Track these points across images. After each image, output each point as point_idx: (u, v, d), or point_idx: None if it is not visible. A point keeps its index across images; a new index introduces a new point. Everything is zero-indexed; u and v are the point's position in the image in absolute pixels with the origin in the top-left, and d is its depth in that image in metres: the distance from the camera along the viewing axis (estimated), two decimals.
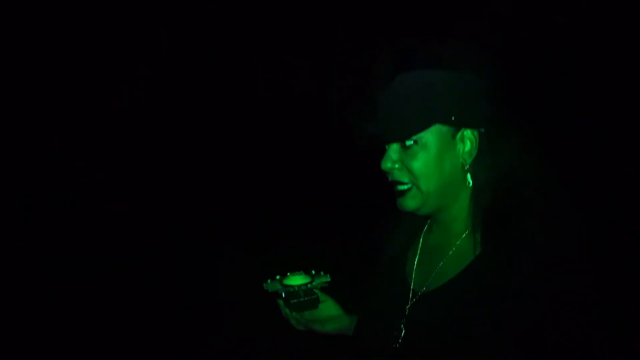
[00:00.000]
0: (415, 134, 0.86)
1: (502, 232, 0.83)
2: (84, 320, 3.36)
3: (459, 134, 0.88)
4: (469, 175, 0.89)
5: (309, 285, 1.05)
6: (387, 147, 0.91)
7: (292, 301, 1.05)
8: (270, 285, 1.08)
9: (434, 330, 0.85)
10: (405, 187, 0.90)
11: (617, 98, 4.61)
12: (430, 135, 0.87)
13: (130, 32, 5.33)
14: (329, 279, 1.08)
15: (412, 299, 0.93)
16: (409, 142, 0.87)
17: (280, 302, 1.09)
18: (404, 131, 0.87)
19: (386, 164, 0.90)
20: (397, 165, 0.89)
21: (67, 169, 5.28)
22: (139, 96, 5.43)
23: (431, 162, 0.87)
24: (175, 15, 5.21)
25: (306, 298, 1.05)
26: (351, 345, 1.03)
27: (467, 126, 0.88)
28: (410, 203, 0.90)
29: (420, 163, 0.87)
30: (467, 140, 0.88)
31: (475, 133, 0.88)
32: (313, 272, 1.09)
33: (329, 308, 1.10)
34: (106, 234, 4.83)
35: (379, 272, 1.05)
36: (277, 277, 1.09)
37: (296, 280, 1.06)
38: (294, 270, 1.09)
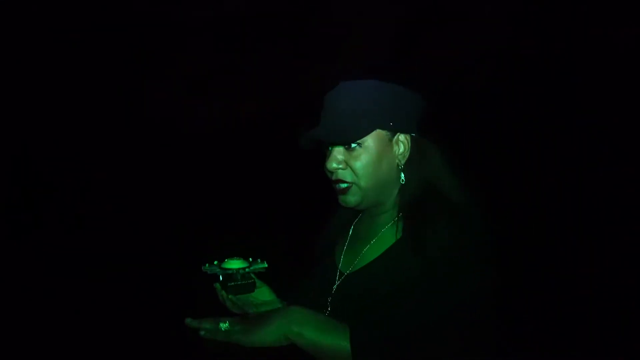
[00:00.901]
0: (360, 138, 0.97)
1: (420, 222, 0.94)
2: (84, 320, 3.36)
3: (395, 137, 1.00)
4: (402, 174, 1.00)
5: (246, 270, 1.09)
6: (330, 149, 1.01)
7: (229, 284, 1.09)
8: (209, 268, 1.11)
9: (354, 305, 0.97)
10: (346, 185, 1.00)
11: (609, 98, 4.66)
12: (371, 139, 0.98)
13: (130, 31, 5.34)
14: (265, 265, 1.13)
15: (338, 280, 1.05)
16: (353, 145, 0.97)
17: (217, 285, 1.12)
18: (350, 135, 0.97)
19: (331, 164, 0.99)
20: (341, 166, 0.99)
21: (67, 169, 5.28)
22: (139, 97, 5.44)
23: (371, 162, 0.98)
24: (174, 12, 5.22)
25: (243, 282, 1.09)
26: None
27: (401, 131, 1.00)
28: (351, 199, 1.00)
29: (362, 163, 0.97)
30: (401, 143, 1.00)
31: (408, 137, 1.01)
32: (250, 259, 1.14)
33: (263, 293, 1.17)
34: (106, 234, 4.83)
35: (312, 260, 1.16)
36: (215, 262, 1.12)
37: (234, 264, 1.10)
38: (232, 256, 1.12)
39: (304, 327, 0.86)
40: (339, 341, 0.85)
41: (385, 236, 1.01)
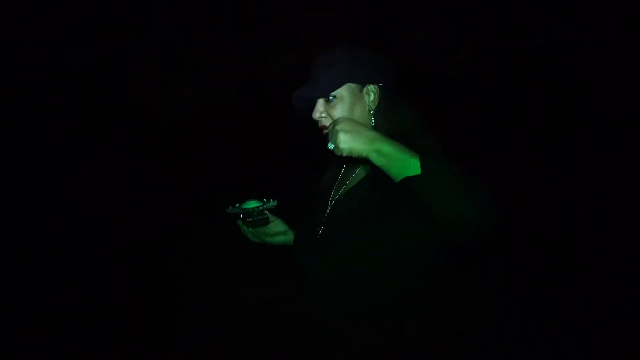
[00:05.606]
0: (331, 91, 1.22)
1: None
2: (83, 320, 3.37)
3: (365, 89, 1.24)
4: (373, 118, 1.25)
5: (260, 208, 1.40)
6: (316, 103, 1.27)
7: (247, 220, 1.42)
8: (231, 210, 1.42)
9: (344, 219, 1.23)
10: None
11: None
12: (344, 91, 1.22)
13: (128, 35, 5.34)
14: (275, 203, 1.43)
15: (330, 203, 1.34)
16: (330, 97, 1.22)
17: (239, 222, 1.45)
18: (326, 89, 1.22)
19: (315, 114, 1.25)
20: (323, 115, 1.24)
21: (65, 169, 5.28)
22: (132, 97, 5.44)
23: (346, 110, 1.22)
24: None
25: (258, 217, 1.41)
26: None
27: (370, 82, 1.24)
28: None
29: (338, 112, 1.22)
30: (372, 93, 1.25)
31: (376, 87, 1.25)
32: (264, 200, 1.44)
33: (277, 225, 1.49)
34: (105, 234, 4.83)
35: (314, 197, 1.44)
36: (237, 205, 1.42)
37: (250, 204, 1.41)
38: (250, 198, 1.43)
39: (384, 143, 1.03)
40: (411, 157, 1.01)
41: (364, 168, 1.29)
